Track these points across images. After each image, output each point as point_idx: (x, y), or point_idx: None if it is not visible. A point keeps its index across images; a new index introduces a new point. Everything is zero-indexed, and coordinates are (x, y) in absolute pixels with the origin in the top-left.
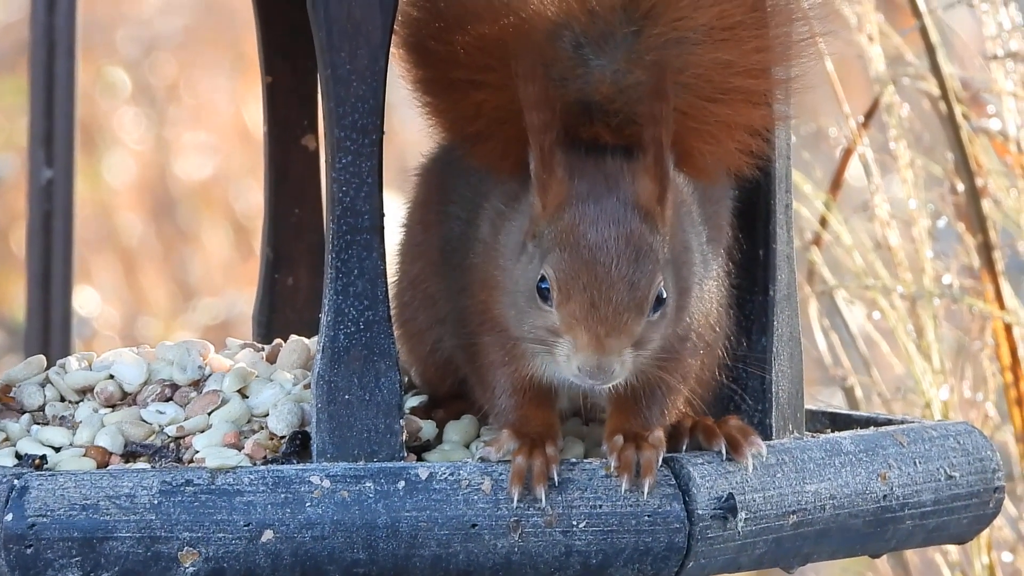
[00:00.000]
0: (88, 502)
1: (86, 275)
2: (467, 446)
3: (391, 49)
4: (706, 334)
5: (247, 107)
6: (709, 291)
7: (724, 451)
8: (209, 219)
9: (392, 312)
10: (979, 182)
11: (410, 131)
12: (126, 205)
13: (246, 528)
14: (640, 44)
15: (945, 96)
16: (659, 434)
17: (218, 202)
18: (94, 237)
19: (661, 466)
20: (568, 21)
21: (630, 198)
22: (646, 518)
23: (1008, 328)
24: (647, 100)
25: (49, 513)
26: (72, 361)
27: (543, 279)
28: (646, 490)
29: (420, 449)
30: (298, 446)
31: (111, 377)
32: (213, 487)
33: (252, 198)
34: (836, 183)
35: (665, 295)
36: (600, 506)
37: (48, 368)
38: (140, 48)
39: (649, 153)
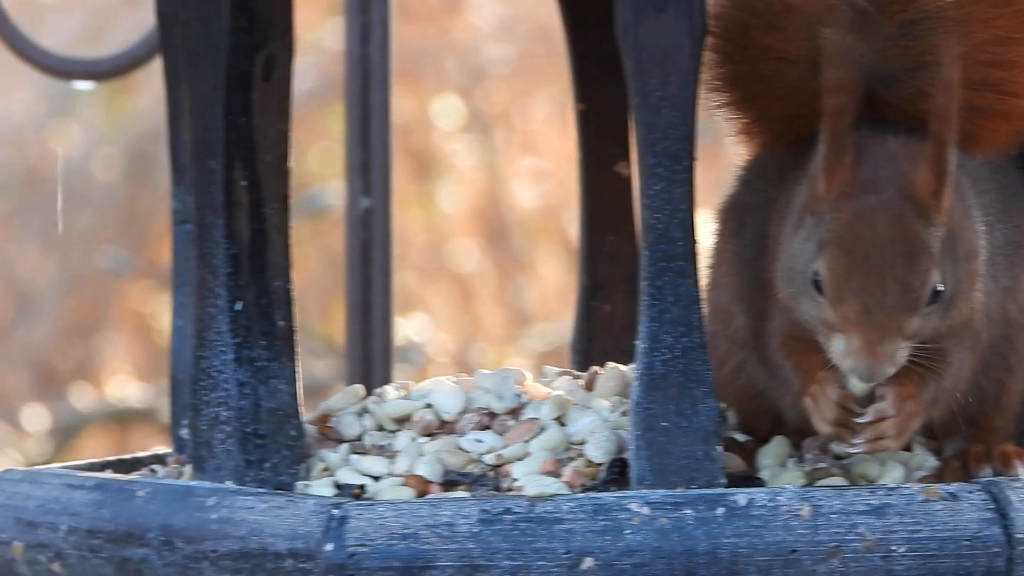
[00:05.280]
0: (408, 531)
1: (420, 302)
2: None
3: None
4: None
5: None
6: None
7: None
8: (543, 246)
9: None
10: None
11: (728, 158)
12: (460, 231)
13: (566, 556)
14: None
15: None
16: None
17: (552, 228)
18: (429, 264)
19: (980, 489)
20: None
21: (908, 192)
22: (965, 542)
23: None
24: (934, 92)
25: (369, 543)
26: (389, 390)
27: (818, 272)
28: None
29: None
30: (616, 473)
31: (429, 406)
32: (532, 515)
33: None
34: None
35: (940, 288)
36: (919, 531)
37: (366, 397)
38: (470, 76)
39: (930, 146)
